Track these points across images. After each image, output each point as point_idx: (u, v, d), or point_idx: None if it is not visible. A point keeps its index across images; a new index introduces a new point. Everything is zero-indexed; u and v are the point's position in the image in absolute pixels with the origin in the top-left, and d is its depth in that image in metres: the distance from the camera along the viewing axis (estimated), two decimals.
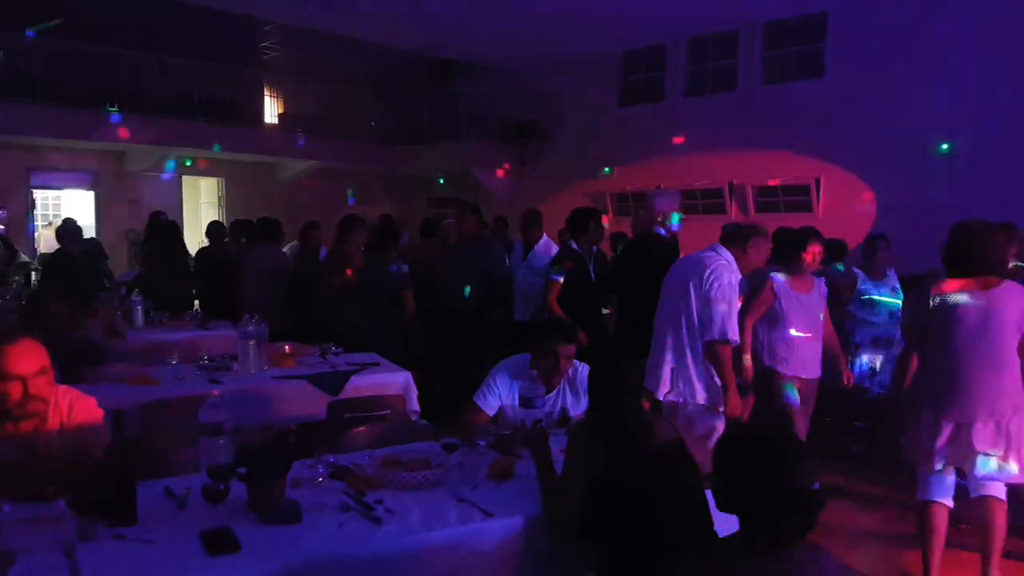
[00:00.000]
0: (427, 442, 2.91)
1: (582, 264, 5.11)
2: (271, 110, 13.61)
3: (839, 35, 10.07)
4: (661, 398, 3.01)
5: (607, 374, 2.37)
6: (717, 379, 3.38)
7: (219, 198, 13.74)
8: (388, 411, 3.77)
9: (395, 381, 4.20)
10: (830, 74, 10.19)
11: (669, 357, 3.50)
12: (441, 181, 14.67)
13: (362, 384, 4.08)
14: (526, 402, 2.81)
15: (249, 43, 12.63)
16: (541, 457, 2.43)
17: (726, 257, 3.49)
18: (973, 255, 3.08)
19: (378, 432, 3.20)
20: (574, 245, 5.19)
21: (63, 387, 2.47)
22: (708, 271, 3.43)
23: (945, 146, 9.07)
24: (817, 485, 1.68)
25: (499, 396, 3.11)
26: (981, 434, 2.99)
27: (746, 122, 10.61)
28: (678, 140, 11.08)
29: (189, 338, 5.35)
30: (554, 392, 3.07)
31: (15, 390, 2.27)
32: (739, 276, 3.49)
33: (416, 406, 4.18)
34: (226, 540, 2.06)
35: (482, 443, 2.75)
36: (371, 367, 4.35)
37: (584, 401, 3.14)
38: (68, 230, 6.72)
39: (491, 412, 3.10)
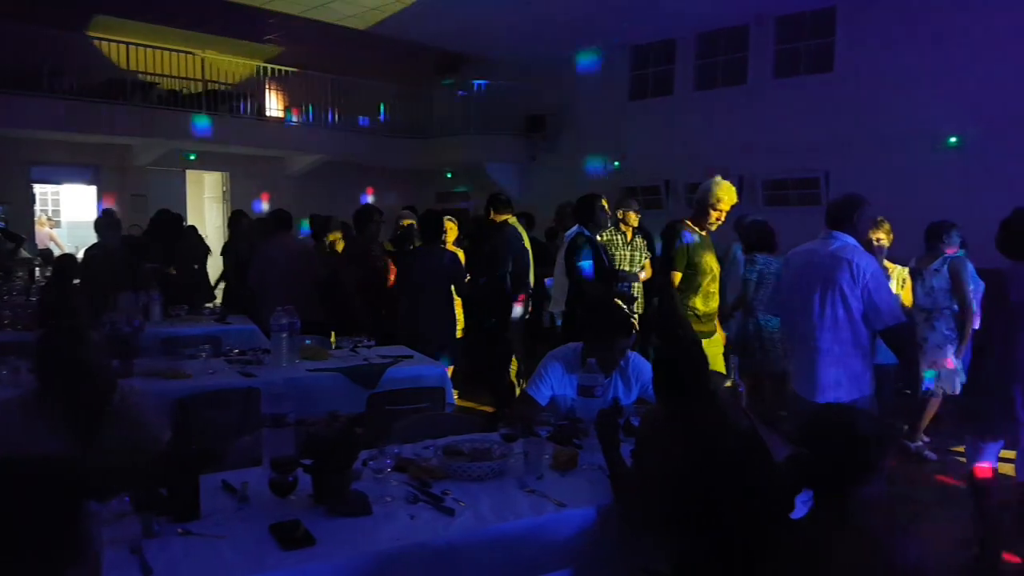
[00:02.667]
0: (485, 433, 2.85)
1: (595, 249, 5.09)
2: (276, 102, 13.44)
3: (847, 29, 10.05)
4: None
5: (679, 362, 2.31)
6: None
7: (223, 192, 13.50)
8: (427, 403, 3.73)
9: (431, 374, 4.15)
10: (839, 68, 10.18)
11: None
12: (449, 175, 14.56)
13: (398, 377, 4.04)
14: (585, 391, 2.75)
15: (254, 34, 12.43)
16: (611, 446, 2.37)
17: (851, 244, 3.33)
18: None
19: (425, 423, 3.13)
20: (584, 231, 5.17)
21: (121, 381, 2.40)
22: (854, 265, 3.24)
23: (954, 139, 9.04)
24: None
25: (551, 386, 3.05)
26: None
27: (756, 116, 10.59)
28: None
29: (207, 332, 5.27)
30: (607, 381, 3.01)
31: None
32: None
33: (452, 399, 4.13)
34: (298, 533, 2.00)
35: (543, 433, 2.69)
36: (405, 360, 4.29)
37: (636, 391, 3.09)
38: (108, 222, 6.51)
39: (543, 402, 3.04)
